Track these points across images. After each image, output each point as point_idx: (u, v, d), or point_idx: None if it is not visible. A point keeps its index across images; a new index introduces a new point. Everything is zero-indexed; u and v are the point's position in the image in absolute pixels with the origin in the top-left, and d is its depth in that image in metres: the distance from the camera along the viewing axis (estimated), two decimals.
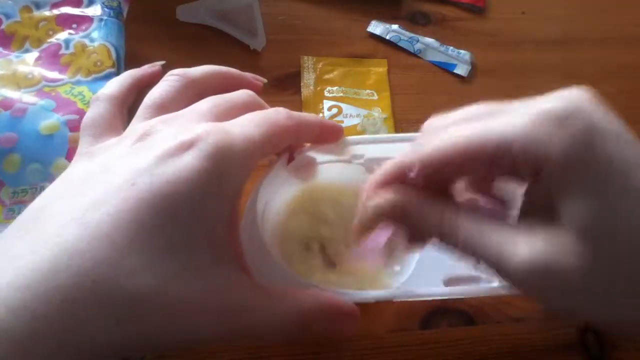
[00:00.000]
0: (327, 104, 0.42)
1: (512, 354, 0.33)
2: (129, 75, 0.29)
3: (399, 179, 0.23)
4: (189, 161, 0.20)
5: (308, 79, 0.44)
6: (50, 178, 0.23)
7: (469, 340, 0.33)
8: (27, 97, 0.34)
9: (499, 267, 0.21)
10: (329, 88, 0.43)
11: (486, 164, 0.21)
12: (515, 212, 0.23)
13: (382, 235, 0.26)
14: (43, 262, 0.18)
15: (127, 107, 0.28)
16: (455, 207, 0.22)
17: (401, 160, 0.23)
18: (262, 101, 0.27)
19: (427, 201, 0.22)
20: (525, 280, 0.20)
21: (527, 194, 0.22)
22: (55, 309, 0.18)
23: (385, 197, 0.22)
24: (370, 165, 0.30)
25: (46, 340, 0.17)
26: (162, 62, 0.31)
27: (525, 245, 0.20)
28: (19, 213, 0.22)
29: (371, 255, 0.30)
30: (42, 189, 0.23)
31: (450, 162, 0.21)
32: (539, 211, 0.21)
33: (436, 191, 0.23)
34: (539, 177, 0.20)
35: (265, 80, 0.30)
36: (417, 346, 0.32)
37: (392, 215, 0.23)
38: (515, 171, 0.21)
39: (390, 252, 0.29)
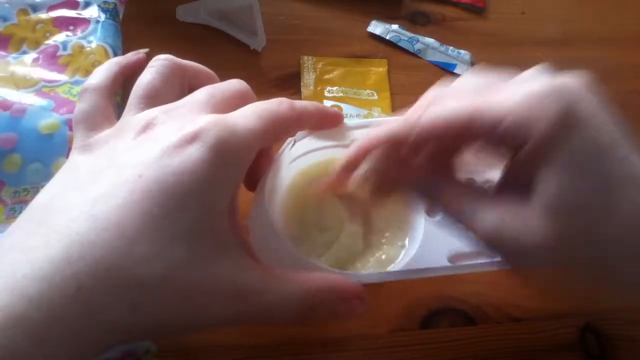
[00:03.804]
0: (327, 104, 0.42)
1: (512, 354, 0.33)
2: (114, 64, 0.29)
3: (389, 147, 0.24)
4: (193, 153, 0.21)
5: (308, 79, 0.44)
6: (50, 177, 0.23)
7: (469, 340, 0.33)
8: (26, 98, 0.34)
9: (474, 234, 0.22)
10: (329, 88, 0.43)
11: (477, 137, 0.22)
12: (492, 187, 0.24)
13: None
14: (56, 253, 0.19)
15: (115, 95, 0.28)
16: (436, 176, 0.24)
17: (394, 129, 0.24)
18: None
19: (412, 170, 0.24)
20: (492, 249, 0.22)
21: (506, 170, 0.23)
22: (71, 298, 0.18)
23: (371, 162, 0.24)
24: None
25: (63, 327, 0.18)
26: (146, 50, 0.31)
27: (493, 217, 0.21)
28: (20, 212, 0.22)
29: None
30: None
31: (444, 134, 0.22)
32: (514, 187, 0.22)
33: (434, 164, 0.24)
34: (519, 153, 0.21)
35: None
36: (417, 346, 0.32)
37: (378, 177, 0.24)
38: (500, 146, 0.22)
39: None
